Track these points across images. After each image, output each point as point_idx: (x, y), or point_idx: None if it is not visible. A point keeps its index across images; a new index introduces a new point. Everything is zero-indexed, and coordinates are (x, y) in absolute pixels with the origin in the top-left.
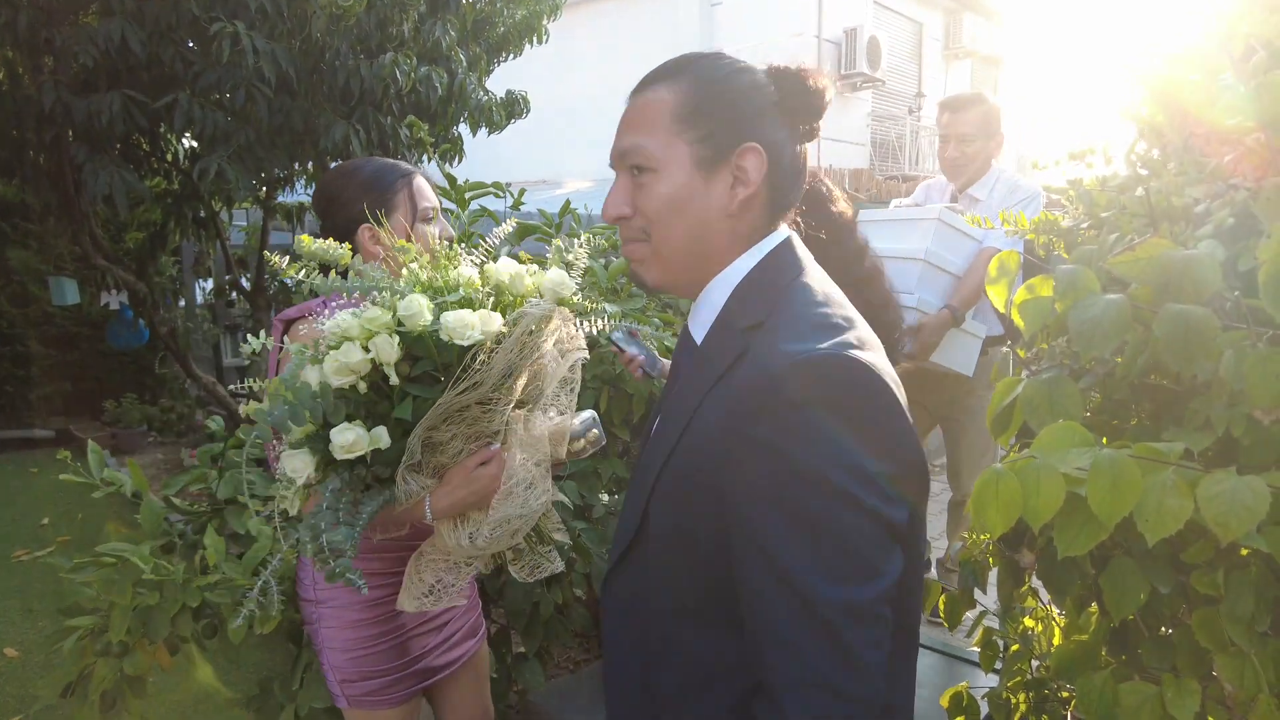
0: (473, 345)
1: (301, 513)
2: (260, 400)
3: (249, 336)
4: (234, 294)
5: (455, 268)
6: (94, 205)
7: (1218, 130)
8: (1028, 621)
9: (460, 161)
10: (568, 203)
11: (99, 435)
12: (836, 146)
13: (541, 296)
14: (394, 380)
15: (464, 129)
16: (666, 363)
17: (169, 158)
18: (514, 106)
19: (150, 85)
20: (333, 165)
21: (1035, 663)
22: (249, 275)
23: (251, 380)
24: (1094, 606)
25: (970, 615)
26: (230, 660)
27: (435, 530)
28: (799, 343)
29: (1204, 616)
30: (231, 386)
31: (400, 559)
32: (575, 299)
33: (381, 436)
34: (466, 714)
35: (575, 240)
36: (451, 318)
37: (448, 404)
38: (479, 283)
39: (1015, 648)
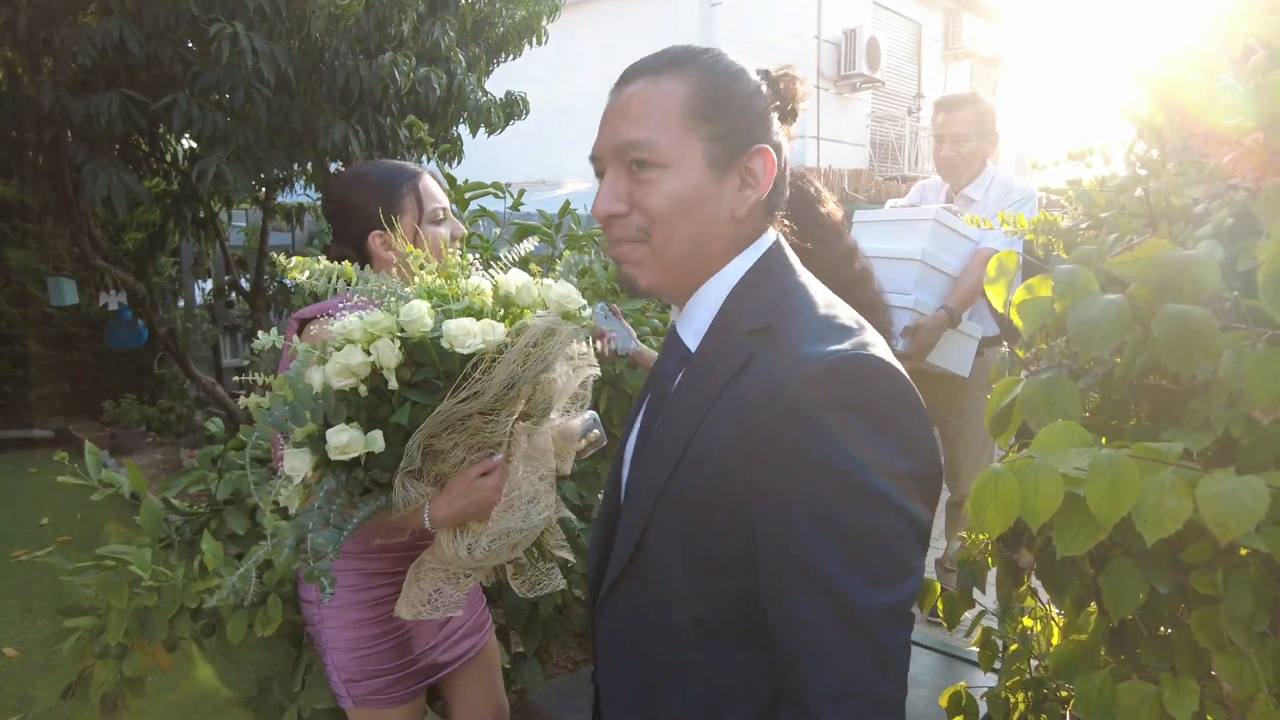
0: (474, 354)
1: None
2: (263, 395)
3: (259, 333)
4: (233, 295)
5: (466, 276)
6: (93, 206)
7: (1217, 130)
8: (1027, 621)
9: (460, 162)
10: (567, 203)
11: (98, 436)
12: (836, 147)
13: (547, 309)
14: (393, 385)
15: (463, 129)
16: (638, 345)
17: (168, 158)
18: (513, 108)
19: (149, 85)
20: (336, 170)
21: (1034, 662)
22: (248, 276)
23: (255, 375)
24: (1093, 606)
25: (969, 615)
26: (229, 661)
27: (435, 539)
28: (819, 345)
29: (1203, 616)
30: (235, 379)
31: (402, 559)
32: (583, 313)
33: (376, 440)
34: (478, 708)
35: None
36: (453, 325)
37: (448, 412)
38: (489, 292)
39: (1014, 647)
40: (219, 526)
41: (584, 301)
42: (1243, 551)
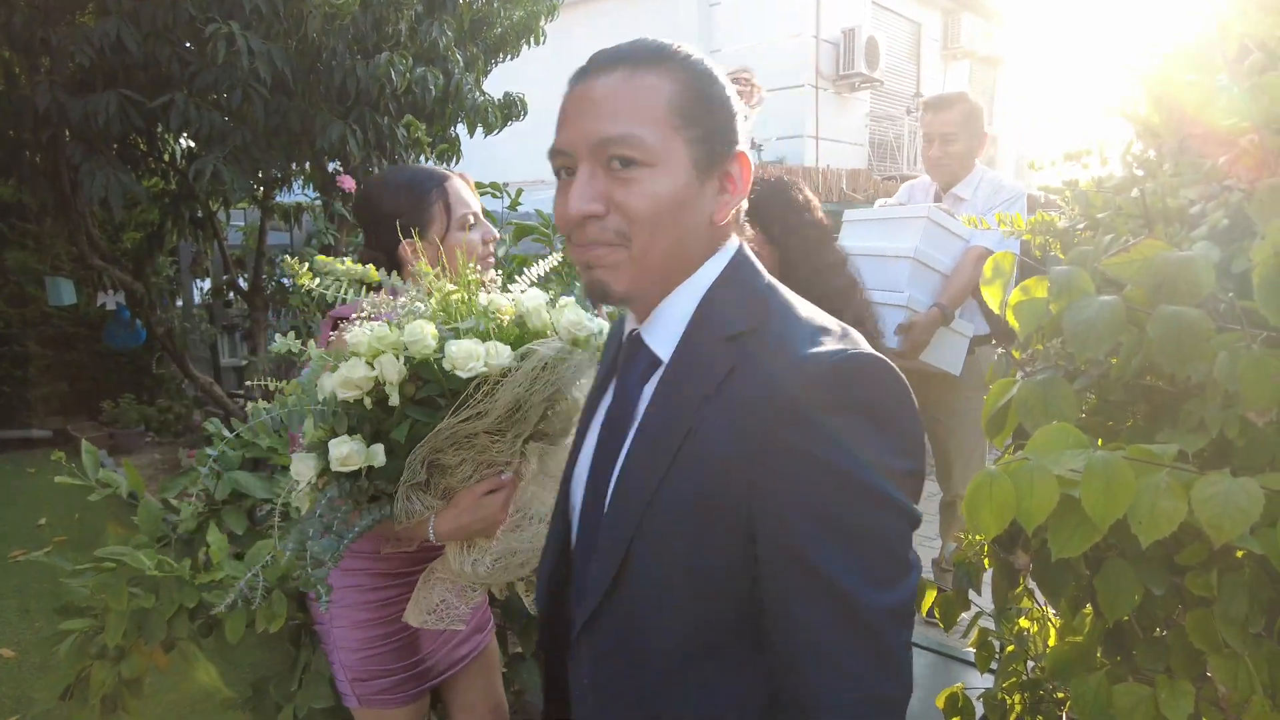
0: (476, 377)
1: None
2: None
3: (277, 336)
4: (231, 294)
5: (489, 290)
6: (90, 206)
7: (1213, 131)
8: (1023, 622)
9: (458, 162)
10: None
11: (97, 435)
12: (834, 147)
13: (557, 334)
14: (394, 401)
15: (461, 129)
16: None
17: (166, 158)
18: (511, 109)
19: (147, 85)
20: (367, 175)
21: (1031, 664)
22: (246, 275)
23: (266, 379)
24: (1088, 608)
25: (966, 616)
26: (226, 661)
27: (444, 551)
28: (813, 346)
29: (1198, 618)
30: (249, 383)
31: (411, 561)
32: (596, 339)
33: (377, 454)
34: (477, 707)
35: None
36: (455, 347)
37: (449, 430)
38: (509, 310)
39: (1010, 649)
40: (218, 525)
41: (596, 328)
42: (1239, 554)
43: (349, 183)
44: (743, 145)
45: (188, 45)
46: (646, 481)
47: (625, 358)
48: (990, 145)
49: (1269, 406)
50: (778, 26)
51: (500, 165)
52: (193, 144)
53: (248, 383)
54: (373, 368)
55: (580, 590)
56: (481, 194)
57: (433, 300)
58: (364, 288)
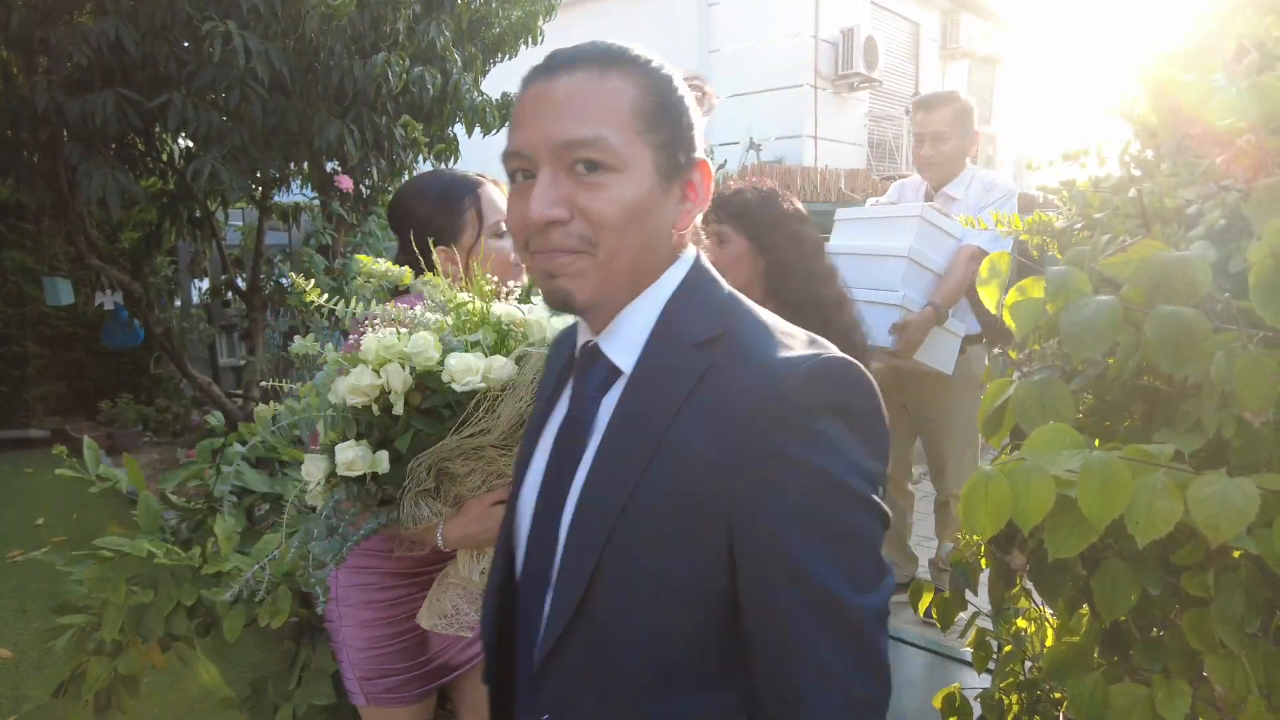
0: (475, 391)
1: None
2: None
3: (296, 337)
4: (229, 294)
5: (504, 303)
6: (88, 206)
7: (1211, 131)
8: (1020, 623)
9: (456, 161)
10: None
11: (95, 435)
12: (833, 147)
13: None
14: (398, 410)
15: (459, 129)
16: None
17: (164, 158)
18: (509, 109)
19: (145, 85)
20: (405, 180)
21: (1028, 664)
22: (244, 275)
23: (270, 380)
24: (1085, 608)
25: (964, 616)
26: (224, 660)
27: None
28: (787, 350)
29: (1194, 618)
30: (265, 383)
31: (423, 561)
32: None
33: (382, 461)
34: (485, 709)
35: None
36: (454, 360)
37: (455, 445)
38: (519, 324)
39: (1008, 649)
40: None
41: None
42: (1236, 554)
43: (347, 183)
44: (702, 154)
45: (185, 45)
46: (614, 497)
47: (580, 371)
48: (989, 145)
49: (1265, 406)
50: (776, 26)
51: (498, 166)
52: (190, 144)
53: (264, 383)
54: (379, 376)
55: (534, 620)
56: None
57: (442, 311)
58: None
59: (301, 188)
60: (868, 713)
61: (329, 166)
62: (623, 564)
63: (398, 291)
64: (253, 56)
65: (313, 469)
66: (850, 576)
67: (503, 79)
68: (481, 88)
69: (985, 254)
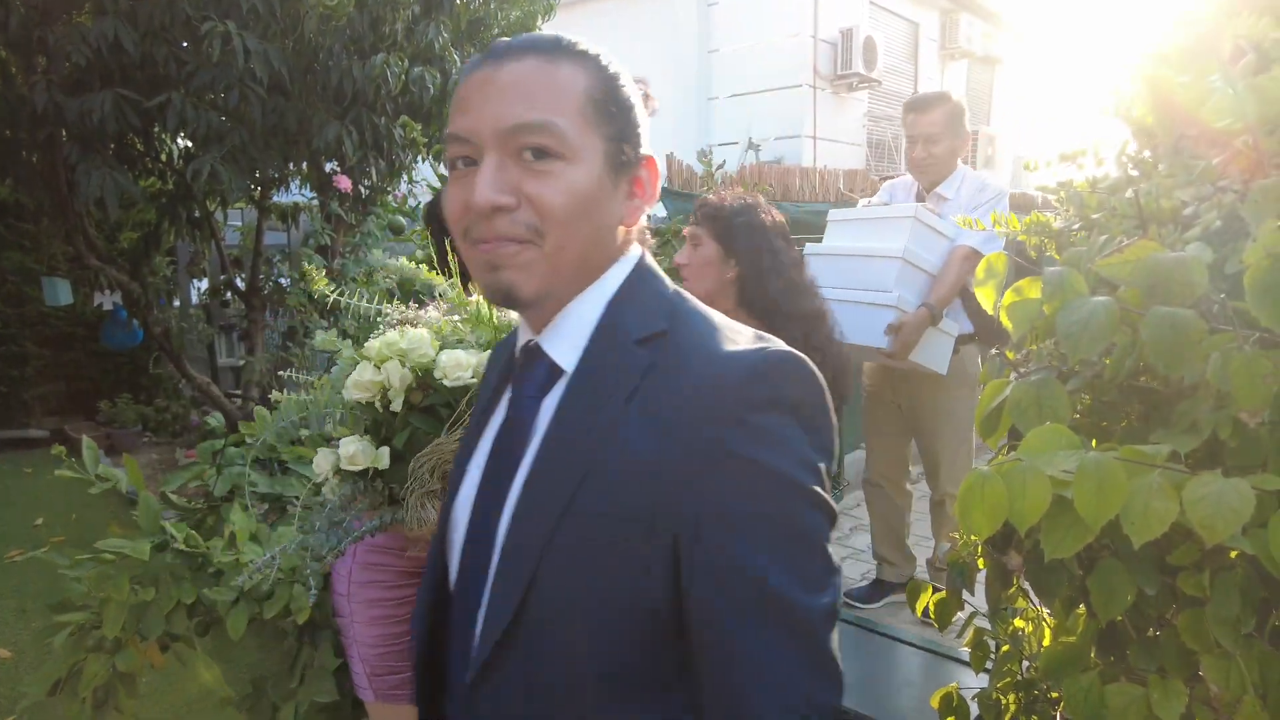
0: (467, 387)
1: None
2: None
3: (317, 332)
4: (228, 294)
5: None
6: (87, 206)
7: (1208, 132)
8: (1018, 623)
9: None
10: None
11: (94, 435)
12: (832, 147)
13: None
14: (395, 406)
15: None
16: None
17: (163, 158)
18: None
19: (144, 85)
20: (331, 171)
21: (1026, 664)
22: (243, 275)
23: (294, 373)
24: (1082, 608)
25: (962, 616)
26: (224, 660)
27: None
28: (731, 346)
29: (1190, 618)
30: (285, 384)
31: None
32: None
33: (383, 457)
34: None
35: None
36: (445, 356)
37: (452, 445)
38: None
39: (1005, 649)
40: (216, 523)
41: None
42: (1233, 554)
43: (345, 183)
44: (649, 151)
45: (184, 45)
46: (554, 499)
47: (520, 372)
48: (988, 145)
49: (1260, 407)
50: (775, 26)
51: None
52: (190, 144)
53: (272, 394)
54: (380, 372)
55: (468, 632)
56: None
57: (444, 311)
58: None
59: (300, 188)
60: (820, 716)
61: (328, 167)
62: (562, 571)
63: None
64: (252, 57)
65: (322, 462)
66: (799, 575)
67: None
68: None
69: (978, 254)
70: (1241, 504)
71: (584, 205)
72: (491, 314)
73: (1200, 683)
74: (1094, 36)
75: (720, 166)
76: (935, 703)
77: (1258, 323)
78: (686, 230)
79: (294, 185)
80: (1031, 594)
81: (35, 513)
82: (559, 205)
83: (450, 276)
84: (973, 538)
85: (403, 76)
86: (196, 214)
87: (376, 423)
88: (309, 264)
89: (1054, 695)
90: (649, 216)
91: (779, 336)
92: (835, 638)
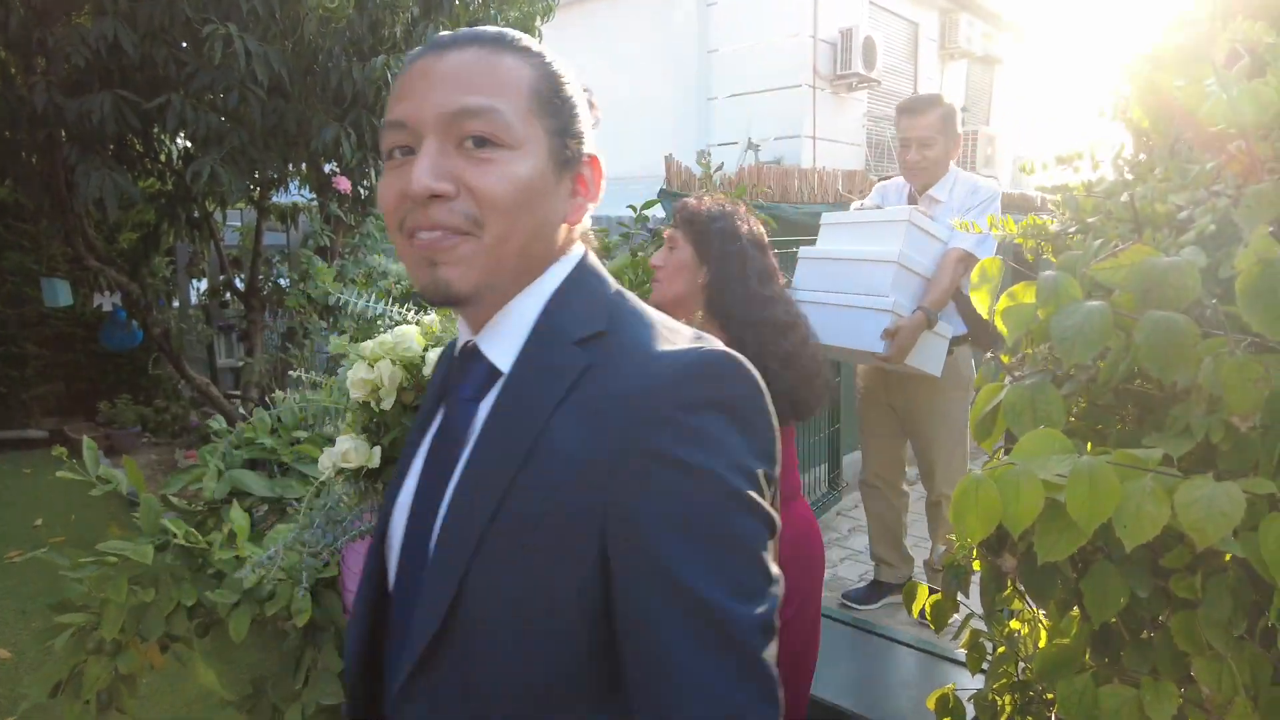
0: None
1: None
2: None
3: (332, 337)
4: (228, 295)
5: None
6: (86, 207)
7: (1203, 136)
8: (1014, 624)
9: None
10: None
11: (93, 435)
12: (832, 147)
13: None
14: (386, 405)
15: None
16: None
17: (162, 159)
18: None
19: (143, 86)
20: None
21: (1022, 665)
22: (243, 276)
23: (303, 372)
24: (1076, 610)
25: (958, 617)
26: (224, 660)
27: None
28: (667, 346)
29: (1182, 620)
30: (293, 373)
31: None
32: None
33: (375, 456)
34: None
35: None
36: (432, 353)
37: None
38: None
39: (1001, 650)
40: (215, 525)
41: None
42: (1226, 557)
43: (345, 184)
44: (593, 150)
45: (184, 46)
46: (484, 503)
47: (458, 374)
48: (988, 145)
49: (1252, 411)
50: (775, 26)
51: None
52: (189, 145)
53: (296, 372)
54: (373, 371)
55: (400, 641)
56: None
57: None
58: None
59: (300, 189)
60: None
61: (327, 168)
62: (491, 578)
63: None
64: (253, 59)
65: (325, 460)
66: (730, 584)
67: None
68: None
69: (972, 257)
70: (1232, 508)
71: (526, 196)
72: None
73: (1193, 684)
74: (1093, 37)
75: (719, 168)
76: (931, 704)
77: (1250, 327)
78: (666, 232)
79: (293, 186)
80: (1027, 596)
81: (35, 513)
82: (501, 194)
83: None
84: (967, 541)
85: None
86: (196, 215)
87: (374, 423)
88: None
89: (1049, 696)
90: (650, 217)
91: (738, 343)
92: (773, 650)
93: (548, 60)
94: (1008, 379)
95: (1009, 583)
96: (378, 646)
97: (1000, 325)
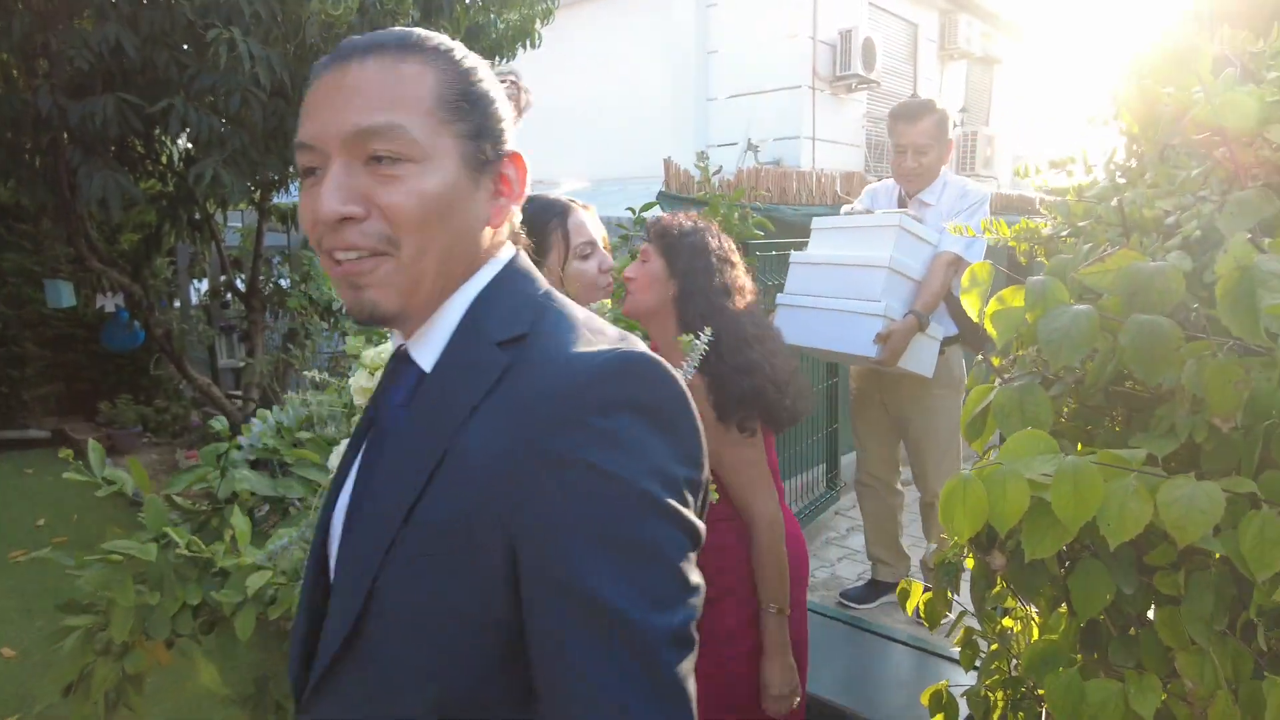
0: None
1: None
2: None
3: (348, 338)
4: (228, 295)
5: None
6: (89, 208)
7: (1189, 142)
8: (1007, 622)
9: None
10: None
11: (94, 436)
12: (831, 148)
13: None
14: None
15: None
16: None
17: (163, 160)
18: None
19: (145, 89)
20: None
21: (1014, 661)
22: (243, 277)
23: (314, 371)
24: (1064, 607)
25: (952, 615)
26: (227, 659)
27: None
28: (588, 347)
29: (1166, 616)
30: (306, 373)
31: None
32: None
33: None
34: None
35: None
36: None
37: None
38: None
39: (994, 647)
40: (220, 524)
41: None
42: (1217, 555)
43: None
44: (515, 147)
45: (186, 49)
46: (396, 506)
47: (390, 378)
48: (987, 145)
49: (1232, 412)
50: (774, 27)
51: None
52: (190, 146)
53: (310, 371)
54: (372, 379)
55: (317, 652)
56: None
57: None
58: None
59: (300, 190)
60: None
61: None
62: (399, 584)
63: None
64: (255, 62)
65: (334, 459)
66: (641, 592)
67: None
68: None
69: (961, 260)
70: (1211, 506)
71: (439, 209)
72: None
73: (1177, 678)
74: (1092, 38)
75: (718, 172)
76: (925, 700)
77: (1230, 331)
78: (641, 246)
79: (294, 187)
80: (1016, 593)
81: (36, 513)
82: (411, 211)
83: None
84: (957, 539)
85: None
86: (197, 216)
87: None
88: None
89: (1040, 692)
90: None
91: (705, 354)
92: (688, 663)
93: (457, 58)
94: (998, 381)
95: (999, 580)
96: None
97: (990, 328)
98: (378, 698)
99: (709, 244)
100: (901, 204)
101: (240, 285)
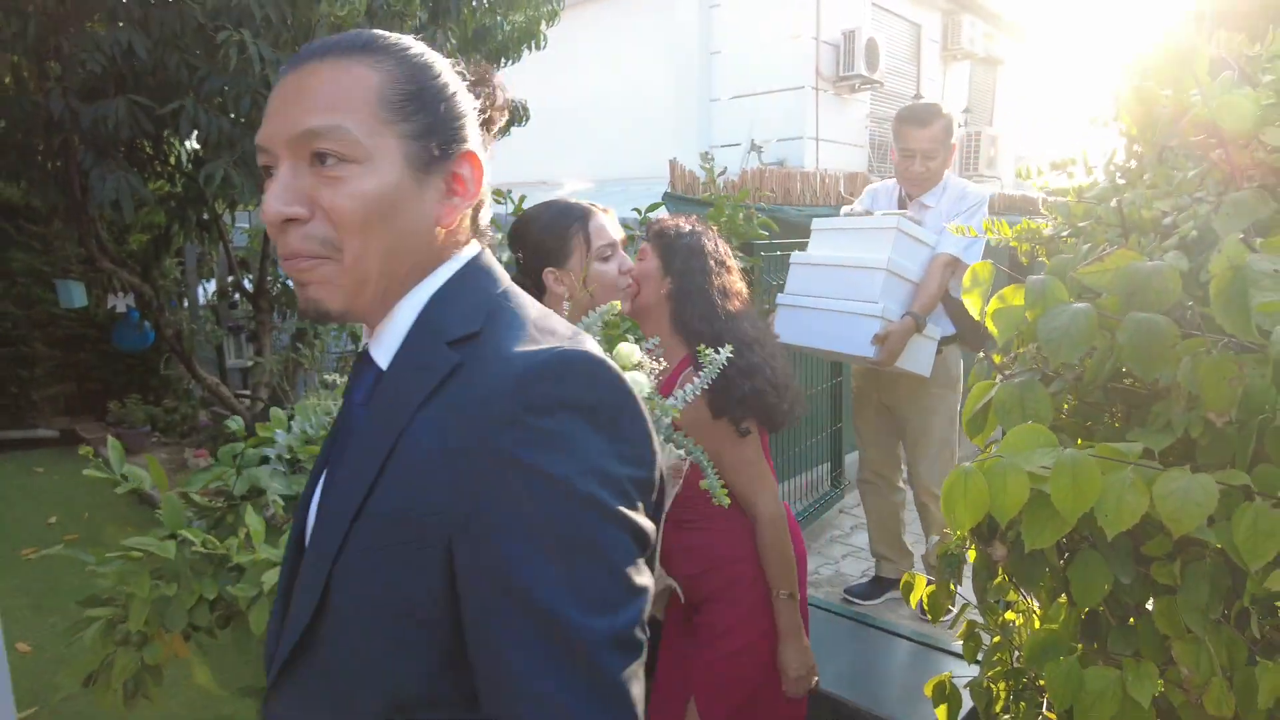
0: None
1: None
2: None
3: (347, 336)
4: (236, 296)
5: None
6: (100, 209)
7: (1187, 144)
8: (1009, 615)
9: None
10: None
11: (103, 435)
12: (834, 148)
13: None
14: None
15: None
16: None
17: (172, 161)
18: (513, 114)
19: (156, 91)
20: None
21: (1016, 653)
22: (251, 277)
23: (326, 374)
24: (1064, 597)
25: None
26: (240, 652)
27: None
28: (534, 345)
29: (1163, 605)
30: (328, 377)
31: None
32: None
33: None
34: None
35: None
36: None
37: None
38: None
39: (996, 639)
40: (235, 521)
41: (646, 390)
42: (1218, 545)
43: None
44: (474, 145)
45: (196, 52)
46: (349, 502)
47: (353, 376)
48: (990, 146)
49: (1227, 408)
50: (778, 28)
51: (502, 166)
52: (198, 147)
53: (330, 375)
54: None
55: (281, 641)
56: None
57: None
58: None
59: None
60: None
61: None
62: (350, 582)
63: None
64: (265, 64)
65: None
66: (580, 594)
67: (507, 82)
68: None
69: (958, 261)
70: (1205, 498)
71: (380, 210)
72: None
73: (1174, 666)
74: (1094, 38)
75: (723, 172)
76: (928, 691)
77: (1223, 328)
78: (641, 245)
79: None
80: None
81: (47, 511)
82: (350, 212)
83: (539, 296)
84: (959, 532)
85: None
86: (205, 216)
87: None
88: None
89: (1041, 683)
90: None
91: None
92: (634, 666)
93: (409, 57)
94: (999, 377)
95: (1000, 571)
96: None
97: (990, 327)
98: (333, 690)
99: (705, 246)
100: (902, 205)
101: (248, 285)
